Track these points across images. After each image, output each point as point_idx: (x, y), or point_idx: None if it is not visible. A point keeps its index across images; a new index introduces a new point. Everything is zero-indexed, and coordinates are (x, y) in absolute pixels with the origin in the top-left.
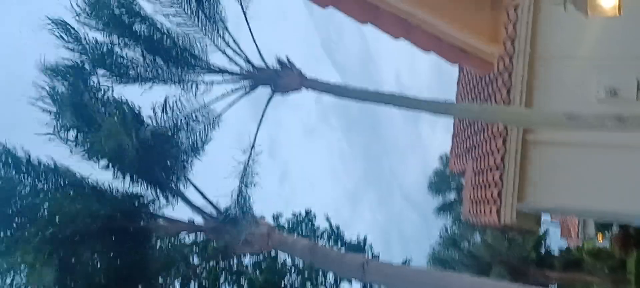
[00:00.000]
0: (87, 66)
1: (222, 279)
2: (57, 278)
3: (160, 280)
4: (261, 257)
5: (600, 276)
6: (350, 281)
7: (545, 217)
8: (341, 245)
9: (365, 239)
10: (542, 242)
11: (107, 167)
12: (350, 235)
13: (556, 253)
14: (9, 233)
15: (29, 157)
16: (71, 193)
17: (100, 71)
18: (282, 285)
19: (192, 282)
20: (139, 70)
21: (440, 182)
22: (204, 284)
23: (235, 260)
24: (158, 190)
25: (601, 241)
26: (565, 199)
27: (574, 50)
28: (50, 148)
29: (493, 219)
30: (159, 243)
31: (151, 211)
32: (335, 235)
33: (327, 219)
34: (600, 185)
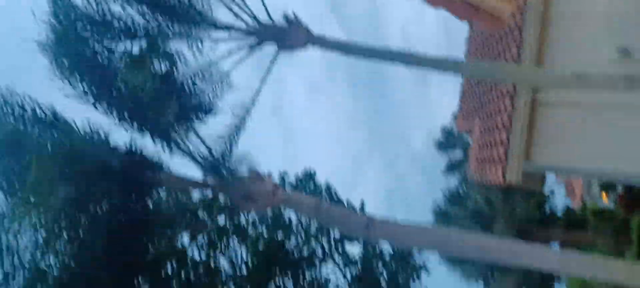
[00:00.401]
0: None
1: (229, 235)
2: (65, 222)
3: (169, 232)
4: (267, 214)
5: (603, 236)
6: (354, 239)
7: (550, 177)
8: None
9: (363, 204)
10: (546, 201)
11: (118, 116)
12: (354, 196)
13: (560, 213)
14: (17, 184)
15: (35, 107)
16: (77, 141)
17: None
18: (287, 242)
19: (200, 237)
20: (141, 27)
21: (448, 140)
22: (212, 239)
23: (242, 217)
24: (165, 144)
25: (606, 202)
26: (571, 159)
27: (587, 8)
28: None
29: (498, 178)
30: (166, 197)
31: (156, 163)
32: (335, 199)
33: (327, 186)
34: (607, 145)
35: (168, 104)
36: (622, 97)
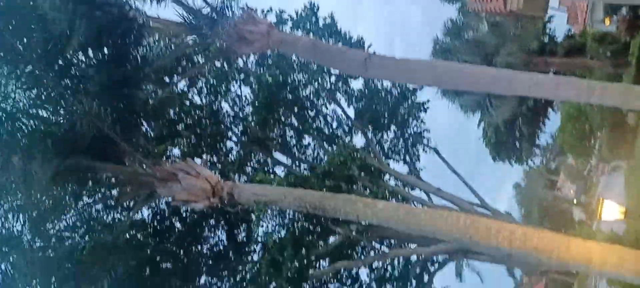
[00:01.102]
0: None
1: (229, 78)
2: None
3: (167, 79)
4: (268, 55)
5: (602, 60)
6: (354, 77)
7: (553, 3)
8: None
9: (363, 40)
10: (546, 28)
11: None
12: (353, 34)
13: (560, 39)
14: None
15: None
16: None
17: None
18: (289, 82)
19: (200, 82)
20: None
21: None
22: (211, 82)
23: (242, 60)
24: None
25: (608, 26)
26: None
27: None
28: None
29: (499, 6)
30: (158, 44)
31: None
32: (335, 33)
33: (326, 22)
34: None
35: None
36: None
